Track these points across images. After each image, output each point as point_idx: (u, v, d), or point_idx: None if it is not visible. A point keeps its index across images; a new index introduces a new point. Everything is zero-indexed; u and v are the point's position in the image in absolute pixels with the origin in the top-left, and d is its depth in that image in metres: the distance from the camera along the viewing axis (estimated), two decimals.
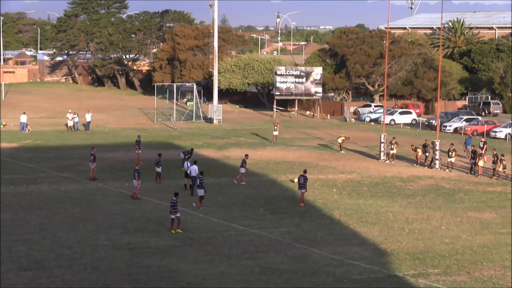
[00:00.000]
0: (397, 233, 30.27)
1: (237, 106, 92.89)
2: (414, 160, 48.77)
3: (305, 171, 36.51)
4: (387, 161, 49.50)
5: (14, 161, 47.30)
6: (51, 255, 26.17)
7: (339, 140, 54.60)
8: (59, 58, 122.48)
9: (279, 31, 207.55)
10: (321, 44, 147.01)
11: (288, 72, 79.72)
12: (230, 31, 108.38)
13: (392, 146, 49.92)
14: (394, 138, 50.96)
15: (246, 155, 42.27)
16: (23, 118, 63.57)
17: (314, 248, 27.74)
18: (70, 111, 67.70)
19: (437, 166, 47.13)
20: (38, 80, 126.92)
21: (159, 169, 40.52)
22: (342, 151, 53.57)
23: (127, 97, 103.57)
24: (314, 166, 46.91)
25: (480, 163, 44.65)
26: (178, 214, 29.70)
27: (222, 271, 24.72)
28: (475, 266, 25.85)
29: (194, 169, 37.74)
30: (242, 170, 40.26)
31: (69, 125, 65.64)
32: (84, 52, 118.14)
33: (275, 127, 58.90)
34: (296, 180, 40.17)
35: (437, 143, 47.41)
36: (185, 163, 38.99)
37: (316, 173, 44.33)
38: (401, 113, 77.38)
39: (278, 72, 79.65)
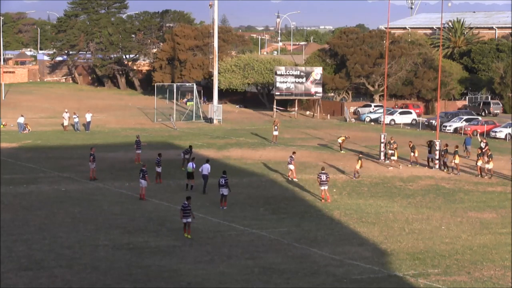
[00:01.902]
0: (397, 233, 30.26)
1: (237, 106, 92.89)
2: (412, 160, 48.53)
3: (323, 168, 37.33)
4: (387, 161, 49.26)
5: (14, 161, 47.30)
6: (51, 255, 26.17)
7: (339, 140, 54.58)
8: (59, 58, 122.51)
9: (279, 31, 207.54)
10: (321, 44, 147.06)
11: (288, 72, 79.72)
12: (230, 31, 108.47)
13: (391, 146, 49.74)
14: (392, 138, 50.64)
15: (294, 152, 43.56)
16: (21, 120, 63.62)
17: (314, 248, 27.74)
18: (66, 110, 67.75)
19: (437, 166, 47.09)
20: (38, 80, 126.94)
21: (159, 169, 40.52)
22: (342, 151, 53.55)
23: (127, 97, 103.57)
24: (314, 166, 46.89)
25: (479, 163, 44.67)
26: (190, 220, 29.21)
27: (222, 271, 24.72)
28: (475, 266, 25.84)
29: (206, 168, 38.02)
30: (291, 167, 41.91)
31: (64, 124, 65.69)
32: (84, 52, 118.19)
33: (275, 127, 58.92)
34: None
35: (437, 143, 47.36)
36: (190, 164, 38.80)
37: (316, 173, 44.31)
38: (401, 113, 77.39)
39: (278, 72, 79.65)
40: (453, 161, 45.58)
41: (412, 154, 48.27)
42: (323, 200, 36.17)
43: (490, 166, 44.19)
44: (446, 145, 47.50)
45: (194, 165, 38.62)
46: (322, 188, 36.26)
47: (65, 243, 27.78)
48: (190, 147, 45.45)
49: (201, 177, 38.08)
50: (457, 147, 46.94)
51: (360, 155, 44.69)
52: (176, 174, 42.69)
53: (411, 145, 48.70)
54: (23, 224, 30.73)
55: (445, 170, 46.21)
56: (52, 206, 34.22)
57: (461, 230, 30.98)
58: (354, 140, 58.92)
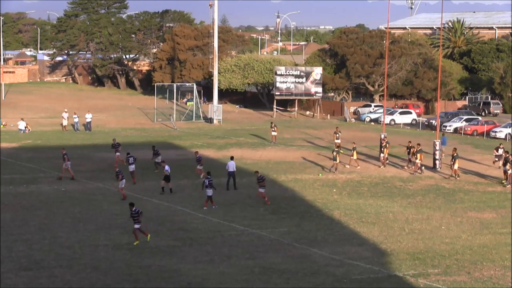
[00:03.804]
0: (397, 233, 30.26)
1: (237, 106, 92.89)
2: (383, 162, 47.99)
3: (256, 172, 37.02)
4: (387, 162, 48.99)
5: (14, 161, 47.31)
6: (51, 255, 26.17)
7: (338, 140, 54.55)
8: (59, 58, 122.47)
9: (279, 31, 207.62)
10: (321, 44, 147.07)
11: (288, 72, 79.75)
12: (230, 31, 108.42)
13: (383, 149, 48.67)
14: (385, 138, 49.58)
15: (196, 152, 43.79)
16: (22, 126, 63.56)
17: (314, 248, 27.73)
18: (65, 110, 67.71)
19: (437, 167, 47.00)
20: (38, 80, 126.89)
21: (132, 168, 40.22)
22: (341, 151, 53.42)
23: (127, 97, 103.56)
24: (314, 166, 46.90)
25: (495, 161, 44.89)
26: (137, 226, 28.05)
27: (222, 271, 24.72)
28: (475, 266, 25.84)
29: (232, 165, 38.61)
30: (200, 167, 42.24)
31: (64, 124, 65.64)
32: (84, 52, 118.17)
33: (273, 129, 58.90)
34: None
35: (437, 143, 47.33)
36: (165, 167, 38.55)
37: (316, 173, 44.35)
38: (401, 113, 77.40)
39: (278, 72, 79.67)
40: (416, 160, 45.34)
41: (382, 154, 47.86)
42: (268, 202, 35.43)
43: (455, 166, 43.87)
44: (418, 145, 47.03)
45: (168, 168, 38.26)
46: (261, 190, 35.67)
47: (65, 243, 27.78)
48: (153, 147, 45.46)
49: (227, 174, 38.69)
50: (419, 145, 46.25)
51: (336, 149, 44.49)
52: (175, 174, 42.56)
53: (384, 143, 48.08)
54: (23, 224, 30.74)
55: (411, 168, 45.94)
56: (52, 206, 34.23)
57: (461, 230, 30.98)
58: (354, 140, 58.79)
